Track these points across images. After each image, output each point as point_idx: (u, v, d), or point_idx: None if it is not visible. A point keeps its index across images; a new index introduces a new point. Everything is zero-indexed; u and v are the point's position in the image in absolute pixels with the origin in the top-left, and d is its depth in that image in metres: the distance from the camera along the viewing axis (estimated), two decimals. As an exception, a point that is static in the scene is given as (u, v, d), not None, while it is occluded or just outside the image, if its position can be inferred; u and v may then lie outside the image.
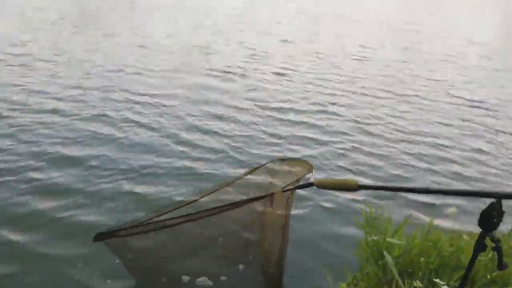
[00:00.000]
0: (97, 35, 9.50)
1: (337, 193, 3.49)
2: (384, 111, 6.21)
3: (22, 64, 6.82)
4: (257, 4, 19.25)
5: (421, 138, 5.31)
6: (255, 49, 9.56)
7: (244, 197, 2.04)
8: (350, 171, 4.27)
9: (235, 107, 5.79)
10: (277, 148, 4.63)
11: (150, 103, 5.61)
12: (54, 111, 5.01)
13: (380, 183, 4.03)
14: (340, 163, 4.42)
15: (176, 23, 12.17)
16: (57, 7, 12.87)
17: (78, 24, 10.59)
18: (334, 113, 5.89)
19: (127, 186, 3.55)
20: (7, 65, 6.70)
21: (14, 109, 5.00)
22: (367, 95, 6.91)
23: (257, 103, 6.01)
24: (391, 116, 6.02)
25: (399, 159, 4.64)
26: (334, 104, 6.28)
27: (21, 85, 5.83)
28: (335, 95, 6.74)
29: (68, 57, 7.45)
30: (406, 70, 8.98)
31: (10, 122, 4.63)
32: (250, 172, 2.55)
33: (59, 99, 5.42)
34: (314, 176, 2.14)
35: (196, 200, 2.04)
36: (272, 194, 1.96)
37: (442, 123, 5.94)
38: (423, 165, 4.56)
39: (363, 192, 3.39)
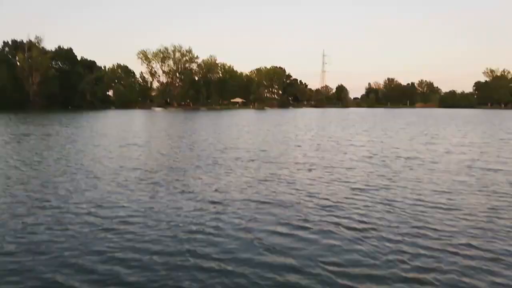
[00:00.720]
0: (177, 191, 10.38)
1: None
2: (481, 275, 5.32)
3: (113, 225, 7.49)
4: (326, 149, 20.08)
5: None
6: (327, 199, 9.49)
7: None
8: None
9: (308, 266, 5.48)
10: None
11: (219, 269, 5.54)
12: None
13: None
14: None
15: (250, 176, 12.91)
16: (142, 164, 14.74)
17: (163, 180, 11.78)
18: (427, 277, 5.17)
19: None
20: (98, 228, 7.37)
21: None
22: (458, 253, 6.09)
23: (332, 266, 5.59)
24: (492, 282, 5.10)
25: None
26: (425, 269, 5.56)
27: (109, 251, 6.25)
28: (422, 254, 6.05)
29: (155, 218, 7.99)
30: (496, 219, 7.97)
31: None
32: None
33: (138, 268, 5.65)
34: None
35: None
36: None
37: None
38: None
39: None
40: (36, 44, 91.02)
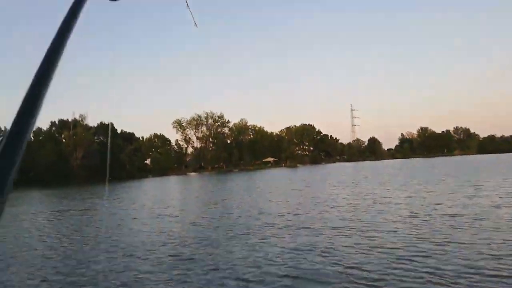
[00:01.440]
0: (209, 268, 10.04)
1: None
2: None
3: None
4: (363, 210, 19.21)
5: None
6: (370, 272, 8.81)
7: None
8: None
9: None
10: None
11: None
12: None
13: None
14: None
15: (284, 245, 12.40)
16: (176, 237, 14.61)
17: (196, 255, 11.53)
18: None
19: None
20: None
21: None
22: None
23: None
24: None
25: None
26: None
27: None
28: None
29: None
30: None
31: None
32: None
33: None
34: None
35: None
36: None
37: None
38: None
39: None
40: (80, 122, 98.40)
